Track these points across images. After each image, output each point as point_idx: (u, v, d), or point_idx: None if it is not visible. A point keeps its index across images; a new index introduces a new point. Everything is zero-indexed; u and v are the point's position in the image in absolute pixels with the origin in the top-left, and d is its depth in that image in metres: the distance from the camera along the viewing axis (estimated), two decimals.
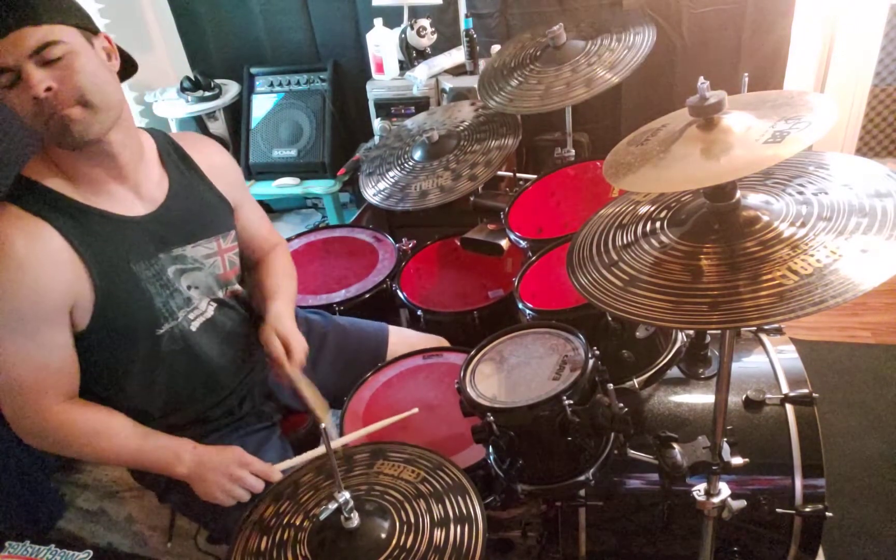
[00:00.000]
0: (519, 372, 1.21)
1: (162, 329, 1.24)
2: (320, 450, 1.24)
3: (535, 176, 1.90)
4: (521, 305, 1.44)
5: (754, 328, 1.50)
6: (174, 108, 2.94)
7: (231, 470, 1.22)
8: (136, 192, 1.22)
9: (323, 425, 0.91)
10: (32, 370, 1.13)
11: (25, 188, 1.13)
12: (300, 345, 1.36)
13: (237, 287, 1.39)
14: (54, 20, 1.05)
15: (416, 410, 1.33)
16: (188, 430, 1.32)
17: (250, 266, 1.51)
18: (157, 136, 1.31)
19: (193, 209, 1.30)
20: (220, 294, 1.35)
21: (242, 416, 1.42)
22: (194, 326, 1.28)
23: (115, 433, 1.22)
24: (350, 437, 1.30)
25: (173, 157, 1.31)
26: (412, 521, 0.92)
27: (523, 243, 1.66)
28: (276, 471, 1.25)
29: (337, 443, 1.28)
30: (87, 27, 1.11)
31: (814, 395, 1.29)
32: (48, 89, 1.03)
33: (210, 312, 1.32)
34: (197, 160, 1.34)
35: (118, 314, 1.18)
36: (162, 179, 1.27)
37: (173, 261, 1.25)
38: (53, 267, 1.10)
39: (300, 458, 1.28)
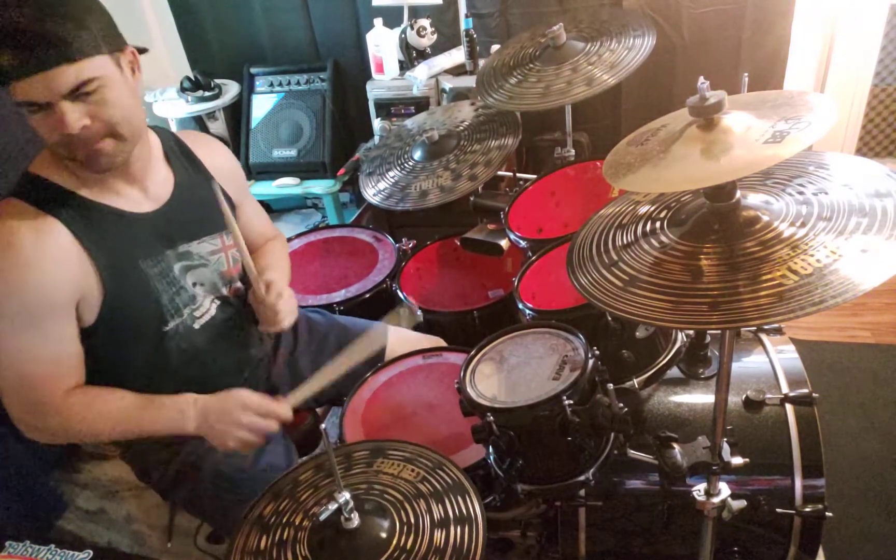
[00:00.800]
0: (519, 372, 1.21)
1: (168, 326, 1.24)
2: (327, 372, 1.28)
3: (535, 176, 1.90)
4: (521, 305, 1.44)
5: (754, 328, 1.49)
6: (174, 108, 2.94)
7: (236, 416, 1.21)
8: (143, 190, 1.23)
9: (322, 426, 0.91)
10: (41, 364, 1.14)
11: (33, 184, 1.13)
12: (291, 299, 1.37)
13: (239, 284, 1.40)
14: (90, 53, 1.03)
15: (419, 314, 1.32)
16: None
17: None
18: (161, 135, 1.31)
19: (198, 206, 1.31)
20: (224, 291, 1.35)
21: None
22: (198, 324, 1.29)
23: (116, 406, 1.21)
24: (314, 383, 1.30)
25: (178, 154, 1.31)
26: (412, 521, 0.92)
27: (523, 243, 1.66)
28: (283, 407, 1.24)
29: (302, 391, 1.28)
30: (117, 47, 1.10)
31: (814, 395, 1.28)
32: (84, 127, 1.04)
33: (213, 310, 1.32)
34: (201, 157, 1.35)
35: (125, 310, 1.19)
36: (168, 177, 1.28)
37: (179, 258, 1.26)
38: (61, 263, 1.10)
39: (310, 384, 1.28)
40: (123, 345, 1.22)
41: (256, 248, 1.53)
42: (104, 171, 1.14)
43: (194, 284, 1.28)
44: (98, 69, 1.05)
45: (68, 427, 1.19)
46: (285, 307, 1.34)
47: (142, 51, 1.18)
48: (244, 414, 1.21)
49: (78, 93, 1.03)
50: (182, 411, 1.23)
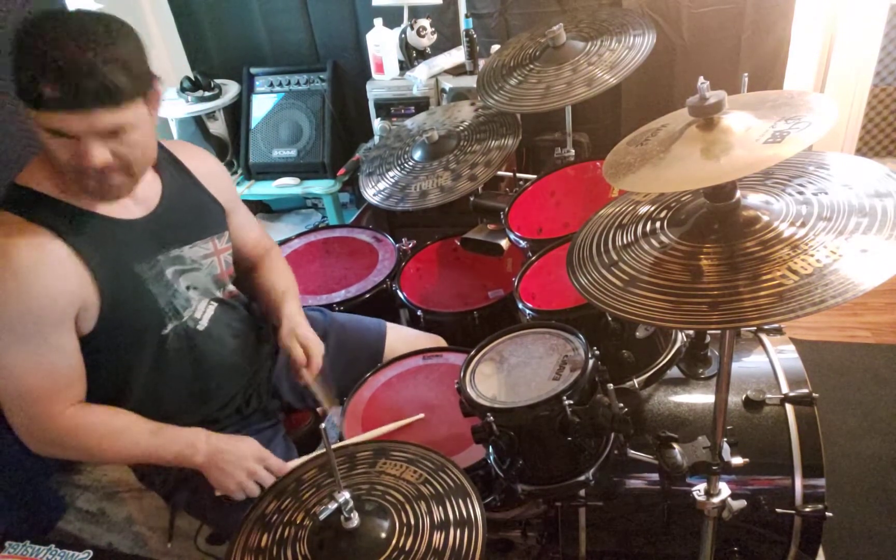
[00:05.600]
0: (519, 372, 1.21)
1: (167, 329, 1.24)
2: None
3: (535, 176, 1.90)
4: (521, 305, 1.44)
5: (754, 328, 1.49)
6: (174, 108, 2.94)
7: (248, 463, 1.22)
8: (132, 196, 1.22)
9: (322, 425, 0.91)
10: (41, 377, 1.13)
11: (22, 195, 1.12)
12: (319, 349, 1.39)
13: (233, 288, 1.40)
14: (131, 100, 1.04)
15: (421, 416, 1.35)
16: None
17: (245, 270, 1.52)
18: None
19: (188, 210, 1.31)
20: (219, 294, 1.35)
21: (250, 414, 1.43)
22: (200, 326, 1.29)
23: (126, 432, 1.21)
24: (351, 442, 1.30)
25: (165, 161, 1.31)
26: (412, 522, 0.92)
27: (523, 243, 1.66)
28: (287, 467, 1.25)
29: (337, 446, 1.29)
30: (150, 86, 1.10)
31: (814, 395, 1.29)
32: (106, 163, 1.05)
33: (211, 312, 1.32)
34: (188, 165, 1.35)
35: (124, 316, 1.18)
36: (154, 183, 1.28)
37: (172, 262, 1.26)
38: (57, 273, 1.10)
39: (309, 457, 1.28)
40: (123, 350, 1.22)
41: (253, 258, 1.53)
42: (106, 201, 1.15)
43: (188, 288, 1.28)
44: (134, 113, 1.06)
45: (72, 443, 1.19)
46: (319, 358, 1.38)
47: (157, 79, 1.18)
48: (256, 463, 1.23)
49: (107, 135, 1.04)
50: (192, 444, 1.23)
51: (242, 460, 1.23)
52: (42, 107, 0.98)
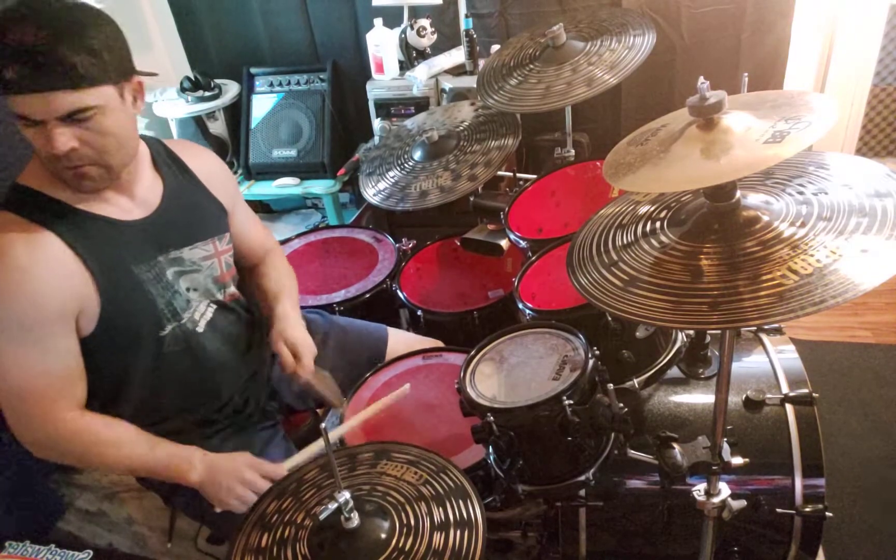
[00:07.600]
0: (519, 372, 1.21)
1: (165, 330, 1.24)
2: (321, 443, 1.25)
3: (535, 176, 1.90)
4: (521, 305, 1.44)
5: (754, 328, 1.49)
6: (174, 108, 2.94)
7: (243, 474, 1.22)
8: (132, 197, 1.23)
9: (322, 425, 0.91)
10: (37, 378, 1.12)
11: (23, 195, 1.12)
12: (309, 348, 1.36)
13: (234, 290, 1.40)
14: (95, 84, 1.03)
15: (407, 386, 1.34)
16: (194, 431, 1.32)
17: (247, 271, 1.52)
18: (150, 142, 1.31)
19: (189, 211, 1.31)
20: (219, 296, 1.35)
21: (248, 415, 1.43)
22: (199, 328, 1.29)
23: (123, 444, 1.21)
24: (347, 427, 1.30)
25: (167, 161, 1.31)
26: (412, 523, 0.92)
27: (523, 243, 1.66)
28: (283, 470, 1.25)
29: (336, 432, 1.29)
30: (125, 77, 1.10)
31: (814, 395, 1.29)
32: (71, 149, 1.04)
33: (210, 315, 1.32)
34: (190, 165, 1.34)
35: (122, 317, 1.18)
36: (155, 183, 1.27)
37: (171, 263, 1.26)
38: (56, 274, 1.10)
39: (303, 453, 1.28)
40: (121, 351, 1.22)
41: (255, 259, 1.52)
42: (86, 192, 1.15)
43: (188, 289, 1.28)
44: (99, 98, 1.05)
45: (68, 448, 1.19)
46: (309, 357, 1.36)
47: (150, 75, 1.18)
48: (251, 473, 1.22)
49: (73, 117, 1.03)
50: (188, 461, 1.23)
51: (237, 472, 1.22)
52: (6, 90, 0.99)
